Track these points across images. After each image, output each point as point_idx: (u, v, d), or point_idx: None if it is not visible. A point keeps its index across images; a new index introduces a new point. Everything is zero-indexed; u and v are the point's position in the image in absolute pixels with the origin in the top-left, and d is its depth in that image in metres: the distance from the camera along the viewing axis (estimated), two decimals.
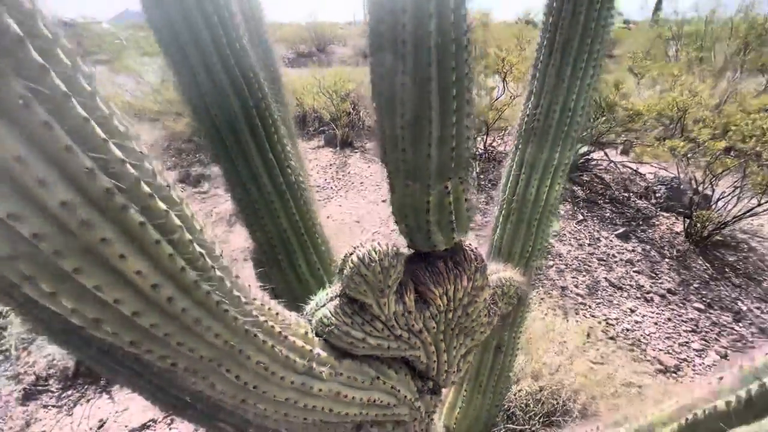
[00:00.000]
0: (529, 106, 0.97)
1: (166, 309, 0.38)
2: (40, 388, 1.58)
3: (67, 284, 0.32)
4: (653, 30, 9.25)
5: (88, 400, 1.55)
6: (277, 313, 0.55)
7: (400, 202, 0.61)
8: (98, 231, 0.31)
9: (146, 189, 0.34)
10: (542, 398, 1.29)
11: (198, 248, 0.40)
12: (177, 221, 0.38)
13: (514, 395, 1.31)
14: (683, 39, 5.80)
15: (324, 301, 0.61)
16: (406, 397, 0.70)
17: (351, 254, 0.57)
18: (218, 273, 0.43)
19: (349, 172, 3.97)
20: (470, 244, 0.73)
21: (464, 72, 0.53)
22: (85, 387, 1.59)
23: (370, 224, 2.99)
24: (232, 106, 0.86)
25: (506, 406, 1.30)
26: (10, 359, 1.67)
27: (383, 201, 3.42)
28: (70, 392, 1.57)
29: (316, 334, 0.60)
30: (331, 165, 4.18)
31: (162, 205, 0.36)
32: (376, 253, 0.57)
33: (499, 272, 0.83)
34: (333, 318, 0.59)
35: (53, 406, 1.52)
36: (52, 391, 1.57)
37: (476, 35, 4.46)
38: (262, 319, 0.49)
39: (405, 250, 0.64)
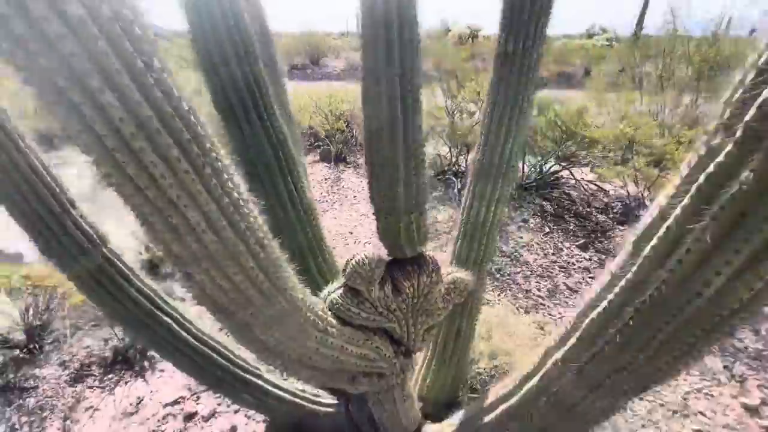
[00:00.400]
0: (478, 154, 1.34)
1: (258, 285, 0.73)
2: (84, 372, 1.89)
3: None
4: (629, 49, 9.92)
5: (126, 383, 1.85)
6: (305, 296, 0.90)
7: (383, 228, 0.97)
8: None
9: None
10: (496, 375, 1.65)
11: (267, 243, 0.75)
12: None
13: (475, 373, 1.66)
14: (656, 59, 6.31)
15: (333, 290, 0.96)
16: (386, 355, 1.05)
17: (351, 259, 0.92)
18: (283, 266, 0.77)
19: (342, 186, 4.34)
20: (430, 254, 1.08)
21: (420, 150, 0.89)
22: (122, 372, 1.90)
23: (362, 235, 3.35)
24: (267, 154, 1.22)
25: (468, 382, 1.65)
26: (59, 349, 1.98)
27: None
28: (110, 376, 1.88)
29: (329, 310, 0.95)
30: (326, 179, 4.54)
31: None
32: (367, 259, 0.93)
33: (453, 273, 1.19)
34: (339, 300, 0.94)
35: (97, 387, 1.83)
36: (95, 375, 1.88)
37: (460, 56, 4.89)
38: (300, 296, 0.84)
39: (385, 257, 1.00)
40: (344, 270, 0.94)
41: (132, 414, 1.71)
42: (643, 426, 1.71)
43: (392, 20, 0.75)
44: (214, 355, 1.45)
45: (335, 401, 1.64)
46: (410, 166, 0.87)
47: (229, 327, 0.84)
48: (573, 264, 2.96)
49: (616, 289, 0.60)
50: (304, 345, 0.86)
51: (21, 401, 1.73)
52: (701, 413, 1.81)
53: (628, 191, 3.26)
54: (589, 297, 0.68)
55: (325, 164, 5.05)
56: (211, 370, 1.45)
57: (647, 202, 3.04)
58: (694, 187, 0.46)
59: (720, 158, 0.43)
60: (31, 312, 1.95)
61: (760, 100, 0.38)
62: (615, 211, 3.53)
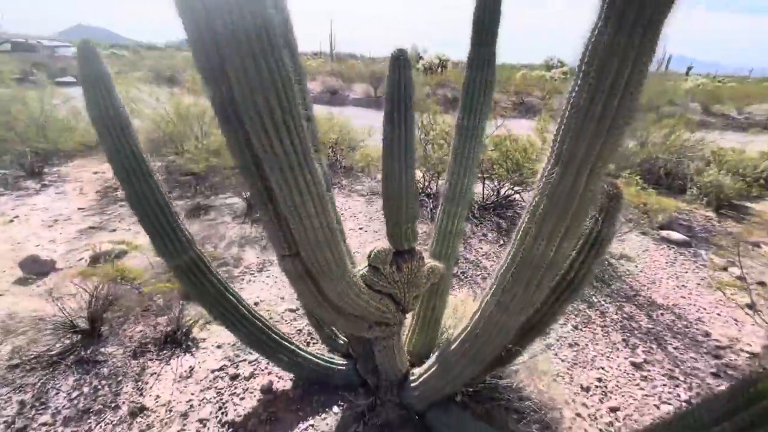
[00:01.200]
0: (446, 185, 2.04)
1: (334, 259, 1.36)
2: (143, 350, 2.39)
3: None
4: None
5: (178, 357, 2.37)
6: (351, 268, 1.54)
7: (390, 232, 1.63)
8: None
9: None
10: None
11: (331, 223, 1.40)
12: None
13: (444, 337, 2.33)
14: None
15: (363, 268, 1.61)
16: (391, 309, 1.70)
17: (374, 249, 1.58)
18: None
19: None
20: (418, 248, 1.76)
21: (413, 188, 1.58)
22: (174, 349, 2.42)
23: (352, 247, 3.97)
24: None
25: (439, 342, 2.32)
26: (115, 333, 2.47)
27: (360, 228, 4.43)
28: (164, 352, 2.39)
29: (361, 278, 1.59)
30: None
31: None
32: (383, 250, 1.59)
33: (432, 262, 1.86)
34: (366, 273, 1.59)
35: (156, 359, 2.34)
36: (151, 352, 2.39)
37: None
38: (349, 267, 1.48)
39: (392, 249, 1.66)
40: (369, 256, 1.60)
41: (188, 377, 2.23)
42: (558, 374, 2.43)
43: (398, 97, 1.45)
44: (261, 325, 2.05)
45: (344, 362, 2.25)
46: (408, 197, 1.56)
47: (306, 288, 1.48)
48: None
49: (508, 258, 1.30)
50: (348, 297, 1.50)
51: (97, 370, 2.22)
52: (602, 368, 2.56)
53: None
54: (499, 263, 1.37)
55: None
56: (257, 335, 2.04)
57: None
58: (529, 209, 1.17)
59: (546, 180, 1.14)
60: (93, 301, 2.44)
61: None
62: None
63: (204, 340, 2.53)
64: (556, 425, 2.02)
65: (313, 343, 2.58)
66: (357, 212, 4.85)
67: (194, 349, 2.43)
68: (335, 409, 2.08)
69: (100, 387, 2.12)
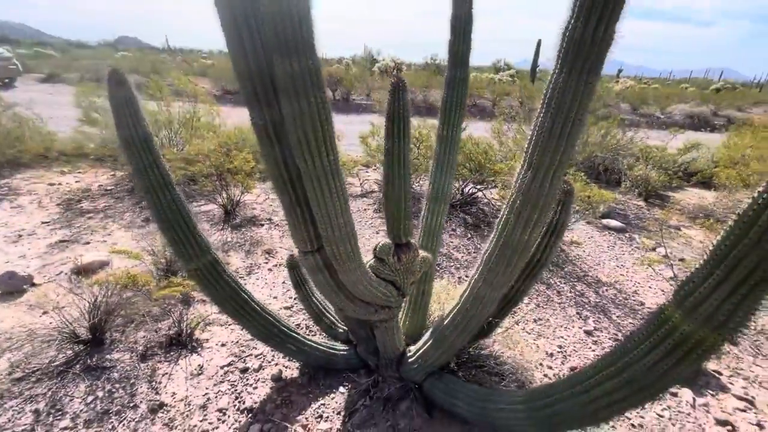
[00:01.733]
0: (430, 186, 2.37)
1: (350, 252, 1.63)
2: (150, 353, 2.50)
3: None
4: (526, 87, 12.48)
5: (185, 357, 2.51)
6: (363, 259, 1.81)
7: (391, 228, 1.93)
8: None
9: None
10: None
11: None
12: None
13: (431, 320, 2.67)
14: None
15: (371, 259, 1.89)
16: (393, 294, 1.99)
17: (379, 243, 1.86)
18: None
19: None
20: (413, 241, 2.06)
21: (408, 191, 1.88)
22: (180, 350, 2.55)
23: None
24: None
25: (428, 324, 2.65)
26: (118, 340, 2.56)
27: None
28: (171, 354, 2.51)
29: (369, 268, 1.87)
30: None
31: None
32: (386, 243, 1.88)
33: (423, 253, 2.18)
34: (374, 263, 1.87)
35: (164, 361, 2.46)
36: (159, 354, 2.50)
37: None
38: (362, 259, 1.75)
39: (392, 243, 1.95)
40: (375, 249, 1.88)
41: (199, 374, 2.39)
42: (527, 344, 2.85)
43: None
44: (271, 318, 2.26)
45: (345, 348, 2.51)
46: (406, 199, 1.86)
47: (324, 278, 1.74)
48: None
49: (491, 243, 1.65)
50: (361, 284, 1.78)
51: (107, 375, 2.31)
52: (562, 337, 3.03)
53: None
54: (484, 248, 1.72)
55: None
56: (269, 328, 2.25)
57: None
58: (508, 203, 1.52)
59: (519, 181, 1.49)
60: (95, 309, 2.51)
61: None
62: None
63: (207, 340, 2.67)
64: (529, 383, 2.41)
65: (312, 335, 2.81)
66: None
67: (200, 349, 2.58)
68: (341, 389, 2.34)
69: (114, 390, 2.22)
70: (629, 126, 8.19)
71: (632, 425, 2.24)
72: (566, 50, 1.21)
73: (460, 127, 2.31)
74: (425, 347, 2.14)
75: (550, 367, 2.68)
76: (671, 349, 1.07)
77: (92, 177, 5.90)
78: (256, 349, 2.61)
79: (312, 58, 1.15)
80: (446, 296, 2.86)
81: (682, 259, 4.47)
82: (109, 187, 5.58)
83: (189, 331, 2.62)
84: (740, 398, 2.48)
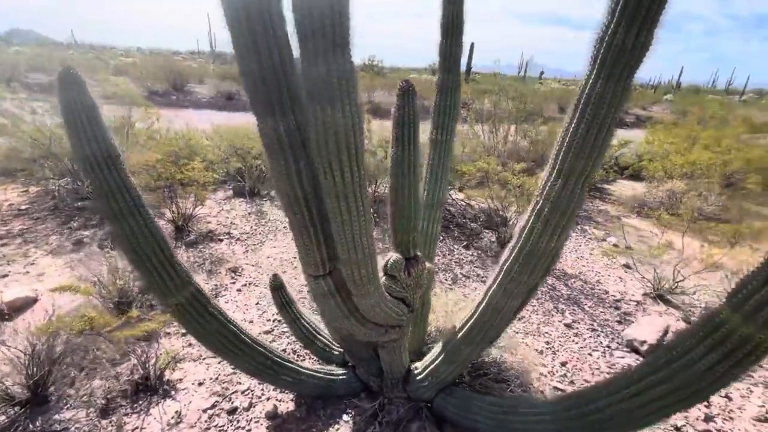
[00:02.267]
0: (426, 194, 2.28)
1: (369, 276, 1.48)
2: (112, 405, 2.11)
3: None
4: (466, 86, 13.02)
5: (157, 404, 2.16)
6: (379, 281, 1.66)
7: (398, 241, 1.80)
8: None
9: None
10: (435, 332, 2.60)
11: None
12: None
13: (430, 327, 2.58)
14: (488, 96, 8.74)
15: (382, 278, 1.75)
16: (404, 311, 1.87)
17: (389, 258, 1.73)
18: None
19: (269, 219, 4.83)
20: (419, 253, 1.96)
21: (418, 203, 1.77)
22: (149, 397, 2.19)
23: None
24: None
25: (426, 339, 2.56)
26: (68, 395, 2.13)
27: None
28: (140, 402, 2.14)
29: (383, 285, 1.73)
30: (250, 213, 4.94)
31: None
32: (396, 259, 1.75)
33: (428, 264, 2.08)
34: (386, 282, 1.73)
35: (131, 413, 2.09)
36: (124, 405, 2.12)
37: None
38: (379, 281, 1.60)
39: (402, 257, 1.83)
40: (385, 266, 1.74)
41: (178, 423, 2.06)
42: (519, 344, 2.89)
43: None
44: (263, 350, 2.03)
45: (343, 371, 2.33)
46: (416, 210, 1.75)
47: (334, 303, 1.57)
48: (463, 259, 4.20)
49: (513, 251, 1.60)
50: (379, 307, 1.63)
51: None
52: (546, 333, 3.11)
53: (489, 206, 4.75)
54: (503, 257, 1.66)
55: (242, 199, 5.40)
56: (262, 361, 2.01)
57: (501, 213, 4.55)
58: (535, 210, 1.48)
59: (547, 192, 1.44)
60: (33, 360, 2.07)
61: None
62: (481, 220, 5.00)
63: (180, 380, 2.33)
64: (529, 385, 2.43)
65: (301, 360, 2.59)
66: None
67: (173, 392, 2.24)
68: (345, 417, 2.16)
69: None
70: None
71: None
72: (604, 56, 1.18)
73: (454, 132, 2.25)
74: (436, 362, 2.04)
75: (543, 365, 2.73)
76: (729, 353, 1.08)
77: None
78: (240, 384, 2.33)
79: (350, 58, 0.99)
80: (437, 302, 2.79)
81: (629, 248, 4.87)
82: (23, 206, 4.74)
83: (158, 372, 2.26)
84: None
